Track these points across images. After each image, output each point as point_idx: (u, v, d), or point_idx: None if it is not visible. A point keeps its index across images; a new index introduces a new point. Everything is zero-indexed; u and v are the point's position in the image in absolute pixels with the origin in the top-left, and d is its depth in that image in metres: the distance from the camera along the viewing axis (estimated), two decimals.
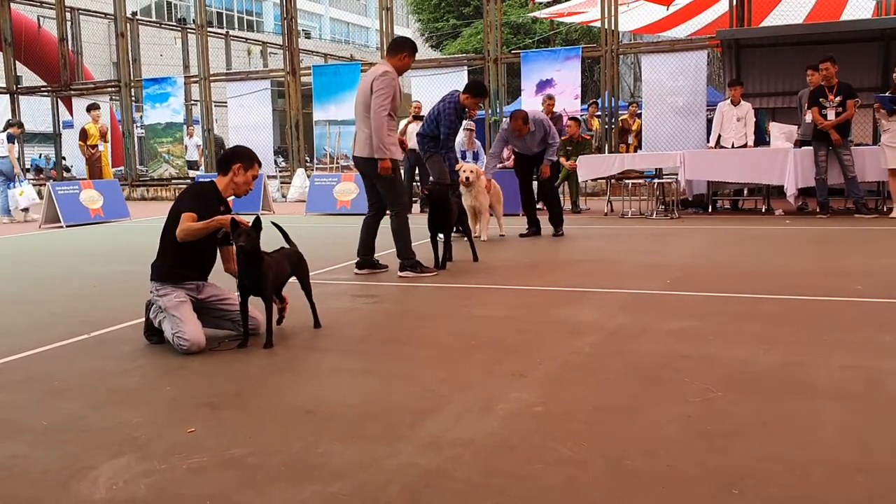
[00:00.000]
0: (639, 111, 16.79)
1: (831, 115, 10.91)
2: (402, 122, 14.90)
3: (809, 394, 3.45)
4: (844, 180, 11.03)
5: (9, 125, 15.83)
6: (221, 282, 4.96)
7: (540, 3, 28.52)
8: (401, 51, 6.98)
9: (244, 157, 4.84)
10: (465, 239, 8.35)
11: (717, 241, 8.99)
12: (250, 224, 4.49)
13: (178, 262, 4.67)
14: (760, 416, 3.17)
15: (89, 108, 16.94)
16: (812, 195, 11.60)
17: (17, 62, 22.21)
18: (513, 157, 13.73)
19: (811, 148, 11.19)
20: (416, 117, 14.45)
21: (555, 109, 14.81)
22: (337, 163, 18.41)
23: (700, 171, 11.99)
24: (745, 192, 13.27)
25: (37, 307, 6.10)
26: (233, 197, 4.93)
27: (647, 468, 2.69)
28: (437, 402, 3.45)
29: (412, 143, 14.25)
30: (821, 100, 10.99)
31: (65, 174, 22.97)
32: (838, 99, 10.89)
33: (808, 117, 11.48)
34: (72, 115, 21.94)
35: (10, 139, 15.54)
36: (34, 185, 22.29)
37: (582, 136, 14.31)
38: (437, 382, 3.75)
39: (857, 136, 13.50)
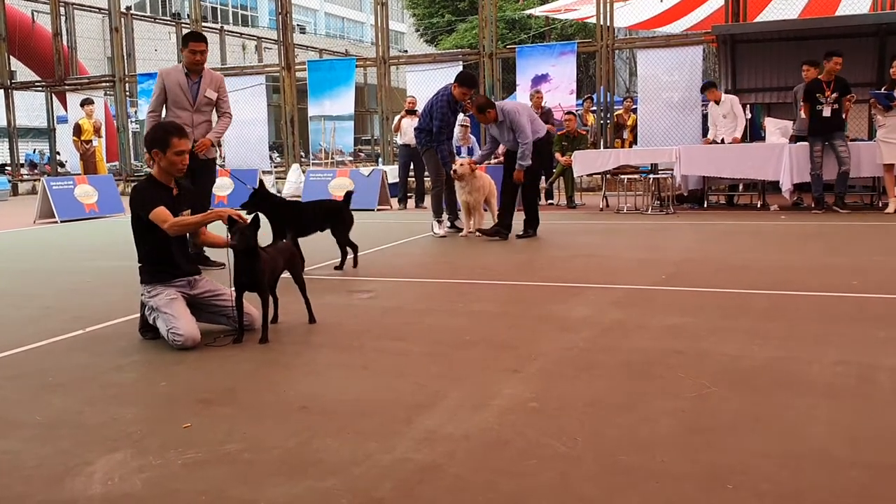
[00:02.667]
0: (634, 106, 16.79)
1: (827, 110, 10.88)
2: (396, 118, 14.92)
3: (802, 389, 3.46)
4: (837, 173, 11.00)
5: None
6: (219, 277, 4.96)
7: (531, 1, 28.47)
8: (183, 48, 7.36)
9: (156, 142, 4.69)
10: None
11: (711, 237, 9.00)
12: (249, 221, 4.49)
13: (156, 260, 4.65)
14: (754, 411, 3.17)
15: (83, 104, 16.90)
16: (807, 190, 11.61)
17: (11, 57, 22.15)
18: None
19: (806, 143, 11.19)
20: (410, 112, 14.46)
21: (548, 105, 14.86)
22: (332, 158, 18.40)
23: (696, 166, 12.00)
24: (741, 187, 13.29)
25: (31, 302, 6.08)
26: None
27: (640, 464, 2.70)
28: (432, 397, 3.45)
29: (407, 137, 14.31)
30: (817, 94, 10.97)
31: (59, 169, 22.91)
32: (834, 95, 10.87)
33: (804, 112, 11.49)
34: (66, 110, 21.87)
35: None
36: (28, 180, 22.26)
37: (578, 131, 14.31)
38: (432, 378, 3.75)
39: (853, 131, 13.52)
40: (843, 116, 11.05)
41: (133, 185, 5.06)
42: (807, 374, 3.66)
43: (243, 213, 4.71)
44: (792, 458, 2.70)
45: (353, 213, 7.34)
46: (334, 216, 7.20)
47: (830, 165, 11.03)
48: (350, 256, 7.26)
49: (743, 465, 2.65)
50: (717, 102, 12.70)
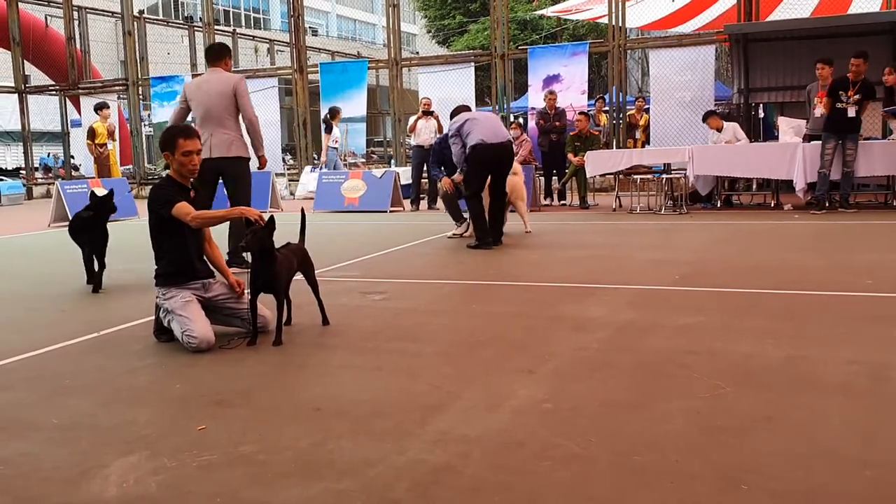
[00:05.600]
0: (646, 106, 16.75)
1: (851, 111, 10.73)
2: (412, 119, 14.95)
3: (816, 389, 3.45)
4: (841, 174, 10.90)
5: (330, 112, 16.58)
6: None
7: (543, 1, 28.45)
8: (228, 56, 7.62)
9: (167, 144, 4.74)
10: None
11: (725, 237, 8.97)
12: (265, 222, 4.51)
13: (174, 259, 4.68)
14: (767, 411, 3.17)
15: (98, 108, 16.96)
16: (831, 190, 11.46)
17: (25, 61, 22.29)
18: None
19: (820, 142, 11.10)
20: (426, 113, 14.48)
21: (560, 105, 14.86)
22: (345, 160, 18.43)
23: (709, 166, 11.95)
24: (754, 186, 13.24)
25: (46, 305, 6.12)
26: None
27: (654, 463, 2.70)
28: (446, 398, 3.46)
29: (421, 138, 14.34)
30: (840, 92, 10.84)
31: (73, 173, 23.04)
32: (857, 97, 10.73)
33: (817, 111, 11.39)
34: (80, 113, 21.99)
35: (328, 129, 15.92)
36: (43, 183, 22.41)
37: (590, 131, 14.28)
38: (446, 379, 3.76)
39: (867, 130, 13.44)
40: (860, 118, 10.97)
41: (151, 185, 5.10)
42: (820, 374, 3.65)
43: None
44: (805, 458, 2.70)
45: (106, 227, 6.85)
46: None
47: (836, 165, 10.91)
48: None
49: (756, 465, 2.65)
50: (719, 130, 12.62)
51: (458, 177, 9.00)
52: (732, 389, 3.44)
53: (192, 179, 4.85)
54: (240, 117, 7.37)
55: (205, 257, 4.93)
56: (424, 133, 14.35)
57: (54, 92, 23.04)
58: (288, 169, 21.08)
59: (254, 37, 37.43)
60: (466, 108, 9.51)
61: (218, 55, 7.50)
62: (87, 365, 4.30)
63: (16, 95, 22.33)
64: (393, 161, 19.55)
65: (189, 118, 7.45)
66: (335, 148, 16.79)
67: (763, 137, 14.98)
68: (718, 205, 12.52)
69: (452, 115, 9.34)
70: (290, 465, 2.79)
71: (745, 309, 5.11)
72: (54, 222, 13.09)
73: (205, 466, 2.81)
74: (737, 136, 12.50)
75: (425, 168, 14.51)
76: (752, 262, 7.03)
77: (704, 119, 13.04)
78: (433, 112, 14.50)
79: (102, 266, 6.76)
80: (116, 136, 17.71)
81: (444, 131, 13.93)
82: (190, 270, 4.73)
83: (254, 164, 7.49)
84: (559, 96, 15.24)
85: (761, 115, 15.14)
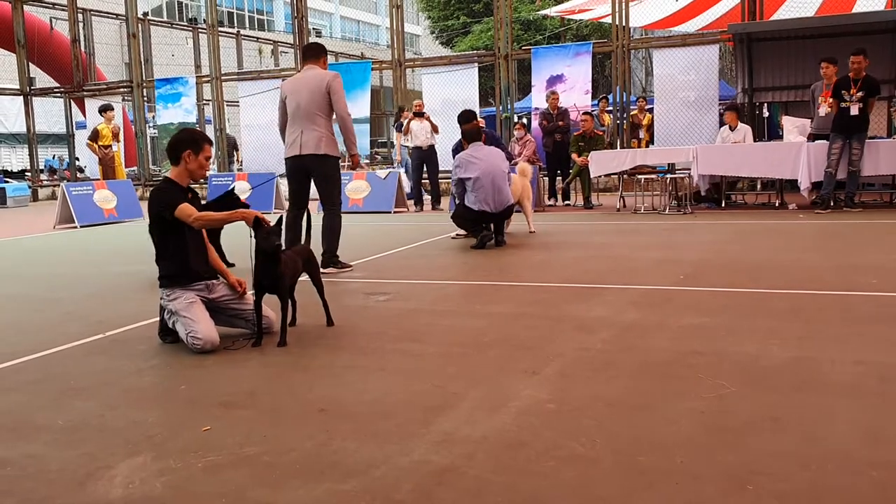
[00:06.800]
0: (648, 106, 16.73)
1: (854, 109, 10.71)
2: (405, 122, 14.98)
3: (822, 389, 3.44)
4: (847, 172, 10.88)
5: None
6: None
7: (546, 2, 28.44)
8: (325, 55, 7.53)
9: (191, 143, 4.75)
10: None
11: (729, 237, 8.95)
12: (273, 223, 4.53)
13: (177, 261, 4.69)
14: (772, 411, 3.16)
15: (103, 110, 17.00)
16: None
17: (30, 63, 22.35)
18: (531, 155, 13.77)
19: (824, 142, 11.09)
20: (418, 114, 14.50)
21: (564, 105, 14.87)
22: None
23: (713, 165, 11.94)
24: (759, 185, 13.23)
25: (51, 307, 6.14)
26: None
27: (659, 464, 2.70)
28: (450, 399, 3.46)
29: (418, 140, 14.35)
30: (842, 91, 10.82)
31: (78, 175, 23.09)
32: (860, 94, 10.71)
33: (822, 111, 11.38)
34: (84, 115, 22.05)
35: (398, 127, 15.90)
36: (48, 185, 22.45)
37: (595, 131, 14.28)
38: (449, 380, 3.76)
39: (872, 128, 13.43)
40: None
41: (151, 188, 5.12)
42: (826, 374, 3.64)
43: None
44: (811, 459, 2.69)
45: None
46: None
47: (842, 165, 10.90)
48: None
49: (762, 466, 2.64)
50: (732, 129, 12.59)
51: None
52: (738, 390, 3.43)
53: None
54: (333, 115, 7.28)
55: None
56: (420, 135, 14.36)
57: (59, 94, 23.11)
58: None
59: (257, 38, 37.49)
60: (473, 115, 9.56)
61: (315, 53, 7.45)
62: (93, 366, 4.31)
63: (21, 98, 22.39)
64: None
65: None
66: (406, 146, 16.84)
67: (767, 137, 14.96)
68: (723, 204, 12.50)
69: (460, 119, 9.36)
70: (295, 466, 2.79)
71: (750, 309, 5.10)
72: (59, 224, 13.12)
73: (210, 467, 2.82)
74: (746, 140, 12.49)
75: (425, 168, 14.54)
76: (756, 261, 7.01)
77: (726, 109, 13.03)
78: (424, 113, 14.52)
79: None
80: (121, 137, 17.74)
81: (440, 131, 14.00)
82: (193, 272, 4.74)
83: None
84: (563, 96, 15.25)
85: (766, 114, 15.12)
